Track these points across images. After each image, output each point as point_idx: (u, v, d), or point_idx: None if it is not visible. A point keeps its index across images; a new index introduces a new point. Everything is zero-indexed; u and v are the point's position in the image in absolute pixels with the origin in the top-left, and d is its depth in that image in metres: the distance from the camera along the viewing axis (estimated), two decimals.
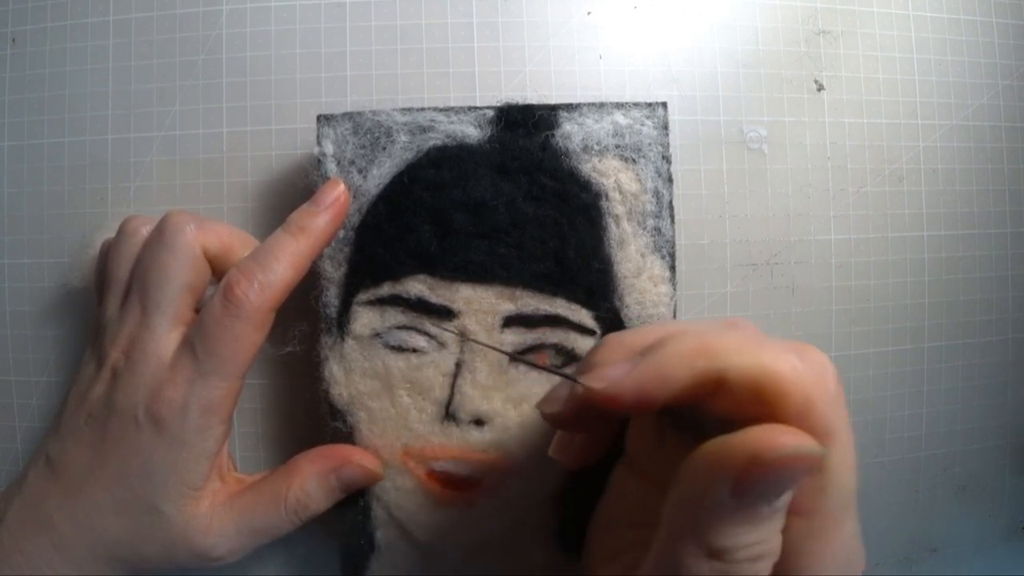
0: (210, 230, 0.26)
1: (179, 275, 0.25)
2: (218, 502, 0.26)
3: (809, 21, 0.33)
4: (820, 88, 0.33)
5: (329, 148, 0.28)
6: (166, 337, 0.25)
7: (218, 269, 0.27)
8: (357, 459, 0.26)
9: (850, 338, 0.33)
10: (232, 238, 0.27)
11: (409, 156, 0.27)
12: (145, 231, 0.27)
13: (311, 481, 0.26)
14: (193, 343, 0.25)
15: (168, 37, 0.32)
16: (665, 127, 0.28)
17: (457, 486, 0.27)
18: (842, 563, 0.17)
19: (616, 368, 0.17)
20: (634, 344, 0.19)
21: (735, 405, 0.16)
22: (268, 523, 0.26)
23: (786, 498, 0.16)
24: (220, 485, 0.26)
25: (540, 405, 0.21)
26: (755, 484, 0.15)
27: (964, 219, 0.34)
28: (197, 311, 0.26)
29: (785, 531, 0.17)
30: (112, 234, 0.29)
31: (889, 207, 0.34)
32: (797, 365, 0.16)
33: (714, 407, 0.17)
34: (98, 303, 0.28)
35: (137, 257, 0.27)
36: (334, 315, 0.27)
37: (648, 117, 0.28)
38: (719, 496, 0.16)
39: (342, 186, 0.27)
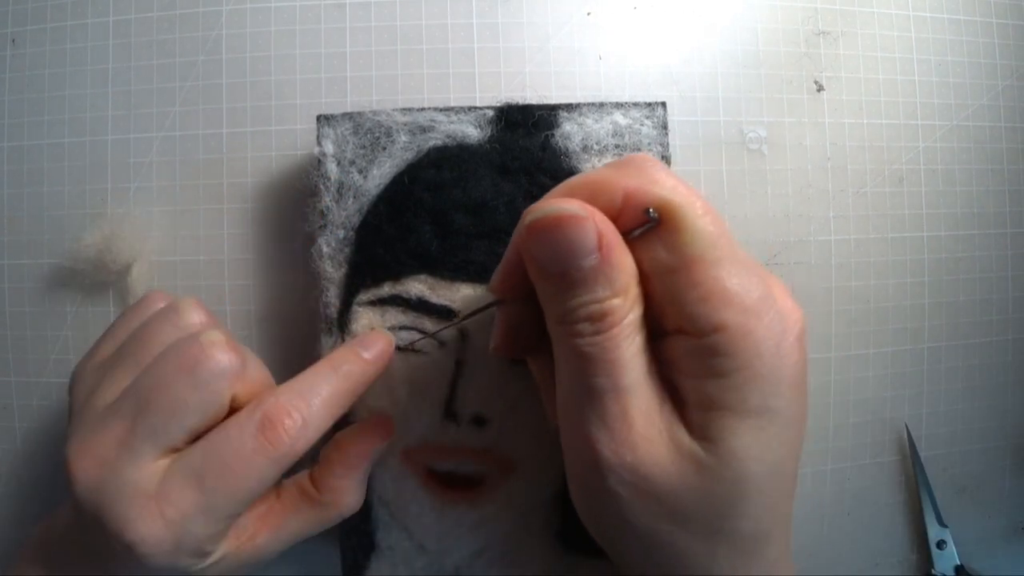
0: (248, 378, 0.23)
1: (194, 417, 0.21)
2: (251, 543, 0.23)
3: (809, 22, 0.33)
4: (820, 89, 0.33)
5: (329, 148, 0.28)
6: (151, 466, 0.21)
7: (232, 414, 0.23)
8: (379, 436, 0.26)
9: (850, 338, 0.33)
10: (264, 387, 0.24)
11: (409, 156, 0.27)
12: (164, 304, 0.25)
13: (357, 489, 0.25)
14: (201, 474, 0.21)
15: (168, 38, 0.32)
16: (664, 127, 0.28)
17: (458, 486, 0.27)
18: (731, 306, 0.18)
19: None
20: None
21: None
22: (315, 531, 0.25)
23: (592, 259, 0.18)
24: (251, 524, 0.24)
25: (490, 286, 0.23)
26: (535, 249, 0.19)
27: (964, 220, 0.34)
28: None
29: (666, 289, 0.18)
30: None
31: (889, 208, 0.34)
32: (610, 171, 0.19)
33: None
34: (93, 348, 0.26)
35: (152, 348, 0.23)
36: (334, 315, 0.27)
37: (648, 117, 0.28)
38: (532, 266, 0.19)
39: (393, 341, 0.26)
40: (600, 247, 0.18)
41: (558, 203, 0.18)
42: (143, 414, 0.21)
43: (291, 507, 0.25)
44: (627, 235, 0.19)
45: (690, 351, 0.18)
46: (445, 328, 0.27)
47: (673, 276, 0.18)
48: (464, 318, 0.26)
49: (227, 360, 0.22)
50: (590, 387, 0.19)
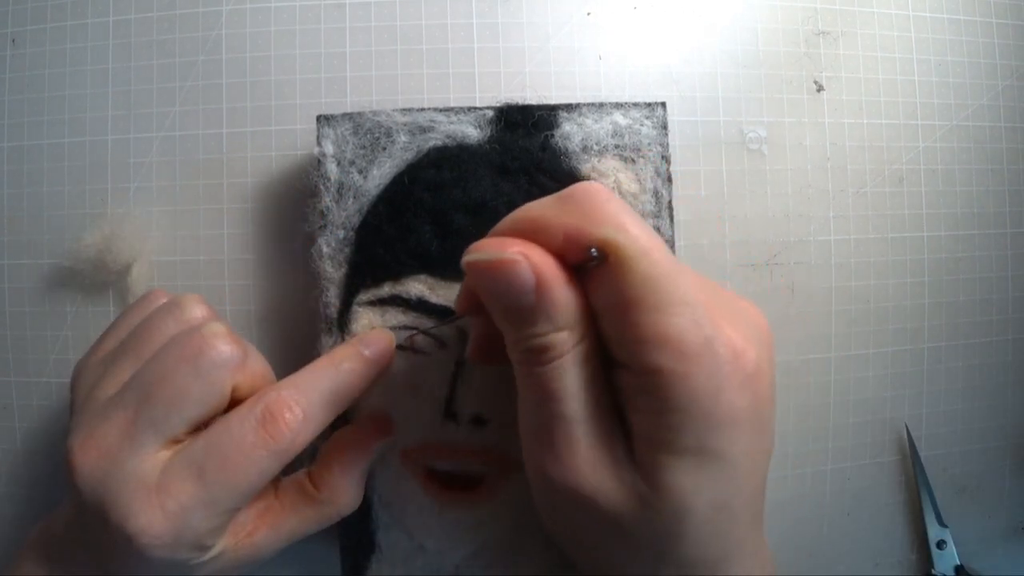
0: (249, 370, 0.23)
1: (195, 407, 0.22)
2: (251, 542, 0.24)
3: (809, 22, 0.33)
4: (820, 89, 0.33)
5: (329, 148, 0.28)
6: (152, 457, 0.21)
7: (233, 406, 0.23)
8: (378, 436, 0.26)
9: (850, 338, 0.33)
10: (265, 380, 0.24)
11: (409, 156, 0.27)
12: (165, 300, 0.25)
13: (356, 488, 0.25)
14: (202, 467, 0.21)
15: (168, 38, 0.32)
16: (664, 127, 0.28)
17: (457, 486, 0.27)
18: (679, 349, 0.17)
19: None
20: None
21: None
22: (314, 530, 0.25)
23: (528, 298, 0.18)
24: (251, 526, 0.24)
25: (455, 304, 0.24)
26: (477, 285, 0.19)
27: (964, 220, 0.35)
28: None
29: (609, 326, 0.19)
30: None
31: (889, 208, 0.34)
32: (552, 207, 0.19)
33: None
34: (95, 344, 0.26)
35: (154, 341, 0.23)
36: (334, 315, 0.27)
37: (647, 117, 0.28)
38: (483, 300, 0.20)
39: (394, 340, 0.26)
40: (537, 286, 0.18)
41: (491, 247, 0.19)
42: (145, 404, 0.21)
43: (289, 505, 0.25)
44: (577, 269, 0.19)
45: (632, 387, 0.19)
46: (431, 329, 0.27)
47: (615, 314, 0.18)
48: (436, 326, 0.26)
49: (229, 351, 0.22)
50: (539, 412, 0.19)
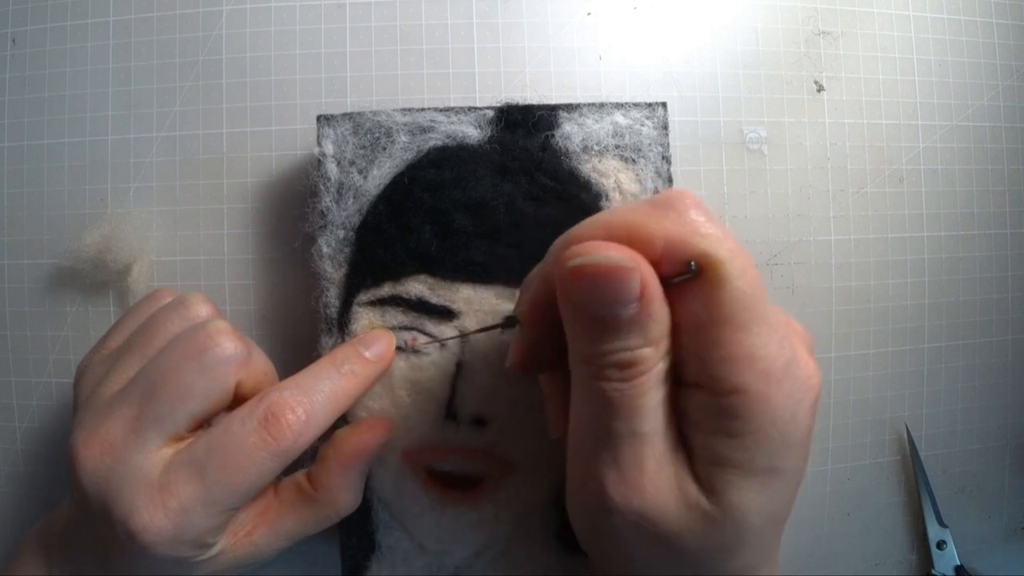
0: (253, 367, 0.23)
1: (199, 403, 0.22)
2: (250, 542, 0.24)
3: (809, 22, 0.33)
4: (820, 89, 0.33)
5: (329, 148, 0.28)
6: (156, 454, 0.21)
7: (236, 404, 0.23)
8: (375, 437, 0.26)
9: (850, 339, 0.33)
10: (268, 379, 0.24)
11: (409, 156, 0.27)
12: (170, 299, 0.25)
13: (353, 489, 0.25)
14: (203, 466, 0.21)
15: (168, 38, 0.32)
16: (665, 127, 0.28)
17: (458, 486, 0.27)
18: (752, 371, 0.17)
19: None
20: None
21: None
22: (313, 531, 0.25)
23: (631, 308, 0.17)
24: (250, 526, 0.24)
25: (516, 310, 0.22)
26: (574, 292, 0.18)
27: (964, 220, 0.35)
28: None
29: (692, 343, 0.18)
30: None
31: (889, 208, 0.34)
32: (650, 214, 0.18)
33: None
34: (102, 340, 0.27)
35: (159, 338, 0.24)
36: (334, 315, 0.27)
37: (648, 117, 0.28)
38: (566, 306, 0.19)
39: (394, 340, 0.26)
40: (641, 297, 0.17)
41: (604, 250, 0.17)
42: (150, 400, 0.22)
43: (288, 505, 0.25)
44: (664, 282, 0.18)
45: (706, 407, 0.18)
46: (456, 338, 0.27)
47: (701, 331, 0.18)
48: (478, 331, 0.26)
49: (233, 347, 0.22)
50: (607, 429, 0.19)
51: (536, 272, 0.22)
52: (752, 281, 0.17)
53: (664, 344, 0.18)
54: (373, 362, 0.25)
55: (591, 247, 0.18)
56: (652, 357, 0.18)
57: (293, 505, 0.25)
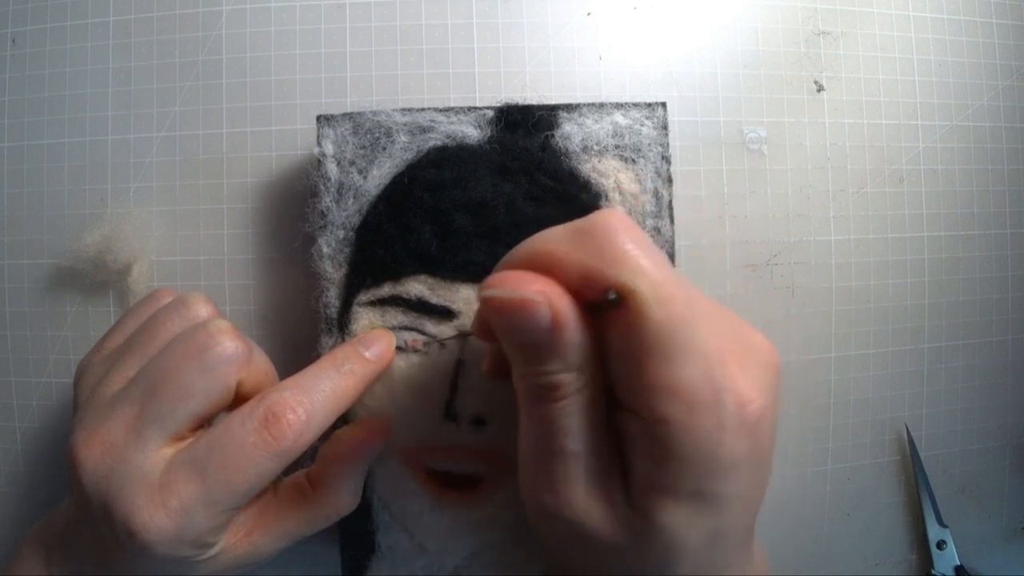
0: (254, 367, 0.23)
1: (200, 402, 0.22)
2: (250, 540, 0.24)
3: (809, 22, 0.33)
4: (820, 89, 0.33)
5: (329, 148, 0.28)
6: (156, 454, 0.21)
7: (236, 404, 0.23)
8: (375, 436, 0.26)
9: (850, 339, 0.33)
10: (268, 378, 0.25)
11: (409, 156, 0.27)
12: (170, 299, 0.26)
13: (352, 488, 0.25)
14: (203, 465, 0.21)
15: (168, 38, 0.32)
16: (664, 127, 0.28)
17: (457, 486, 0.27)
18: (688, 400, 0.17)
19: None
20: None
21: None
22: (312, 531, 0.25)
23: (541, 336, 0.18)
24: (250, 525, 0.24)
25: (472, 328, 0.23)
26: (491, 319, 0.19)
27: (964, 220, 0.35)
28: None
29: (619, 369, 0.18)
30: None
31: (889, 208, 0.34)
32: (570, 241, 0.18)
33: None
34: (102, 340, 0.27)
35: (160, 338, 0.24)
36: (334, 316, 0.27)
37: (648, 117, 0.28)
38: (496, 331, 0.19)
39: (394, 340, 0.26)
40: (552, 328, 0.18)
41: (513, 283, 0.18)
42: (151, 399, 0.22)
43: (288, 505, 0.25)
44: (591, 307, 0.18)
45: (635, 431, 0.18)
46: (454, 338, 0.27)
47: (626, 359, 0.18)
48: (446, 339, 0.27)
49: (234, 347, 0.23)
50: (540, 443, 0.19)
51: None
52: (674, 311, 0.17)
53: (588, 370, 0.18)
54: (373, 362, 0.25)
55: (503, 279, 0.18)
56: (573, 382, 0.18)
57: (293, 505, 0.25)
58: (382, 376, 0.26)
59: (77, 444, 0.22)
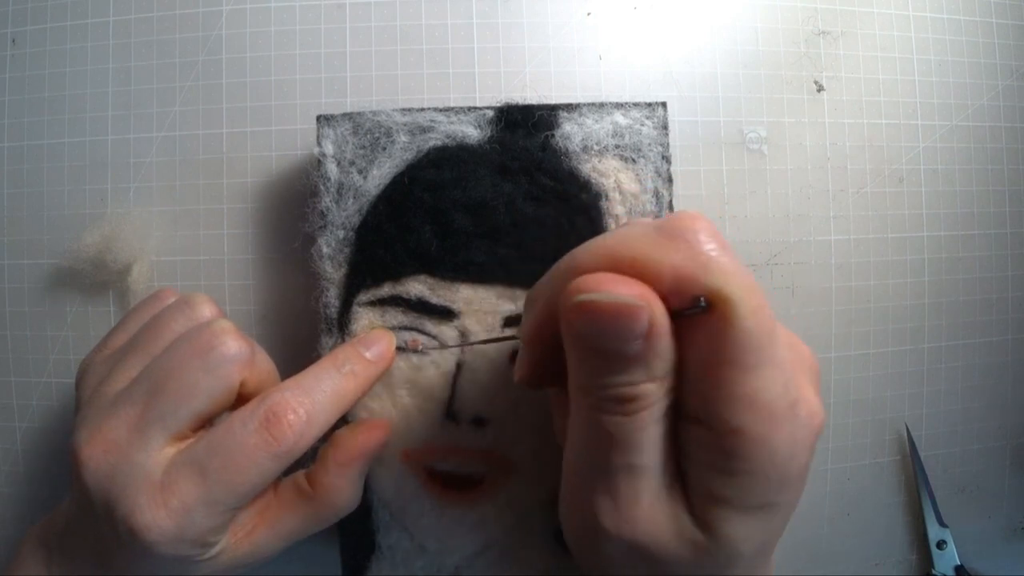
0: (257, 367, 0.23)
1: (203, 401, 0.22)
2: (251, 540, 0.24)
3: (809, 22, 0.33)
4: (820, 89, 0.33)
5: (329, 148, 0.28)
6: (158, 453, 0.21)
7: (239, 404, 0.23)
8: (375, 437, 0.26)
9: (850, 338, 0.33)
10: (270, 379, 0.25)
11: (409, 156, 0.27)
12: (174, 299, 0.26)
13: (353, 489, 0.25)
14: (204, 465, 0.21)
15: (168, 38, 0.32)
16: (665, 127, 0.28)
17: (457, 486, 0.27)
18: (755, 412, 0.17)
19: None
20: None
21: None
22: (311, 532, 0.25)
23: (635, 345, 0.17)
24: (250, 526, 0.24)
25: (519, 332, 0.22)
26: (579, 325, 0.17)
27: (964, 220, 0.35)
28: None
29: (695, 378, 0.17)
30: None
31: (889, 208, 0.34)
32: (659, 243, 0.17)
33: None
34: (104, 340, 0.27)
35: (164, 338, 0.24)
36: (334, 316, 0.27)
37: (648, 117, 0.28)
38: (569, 338, 0.18)
39: (395, 340, 0.26)
40: (648, 335, 0.17)
41: (612, 286, 0.17)
42: (155, 398, 0.22)
43: (288, 505, 0.25)
44: (672, 314, 0.17)
45: (704, 443, 0.18)
46: (462, 345, 0.27)
47: (706, 369, 0.17)
48: (484, 342, 0.26)
49: (238, 347, 0.23)
50: (604, 459, 0.18)
51: (540, 291, 0.21)
52: (763, 320, 0.17)
53: (668, 380, 0.18)
54: (374, 363, 0.25)
55: (598, 281, 0.17)
56: (654, 393, 0.17)
57: (293, 505, 0.25)
58: (383, 376, 0.26)
59: (80, 443, 0.22)
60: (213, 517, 0.21)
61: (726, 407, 0.17)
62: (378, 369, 0.25)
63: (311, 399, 0.23)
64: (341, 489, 0.25)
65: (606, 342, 0.17)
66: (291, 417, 0.22)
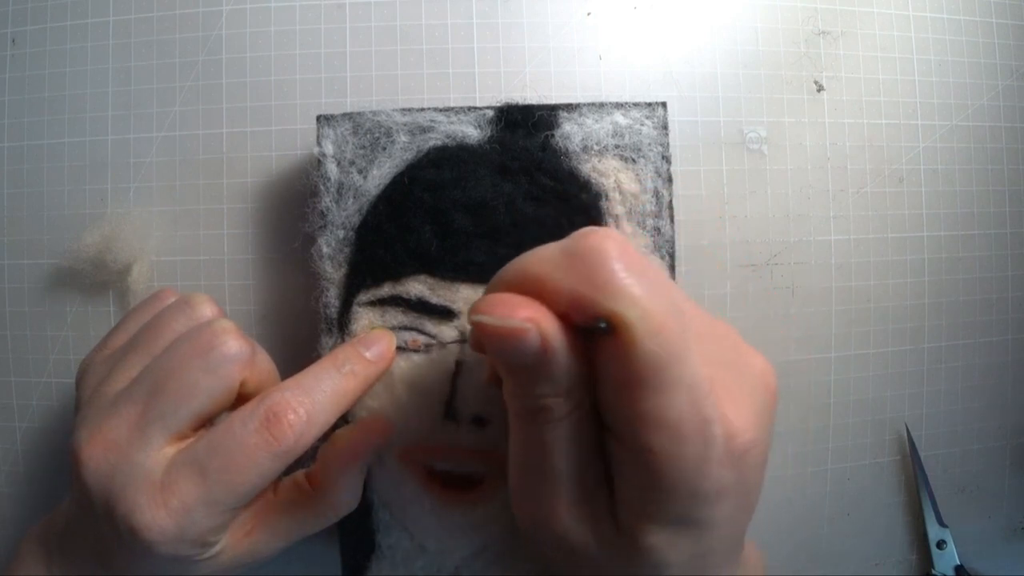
0: (257, 367, 0.24)
1: (204, 401, 0.22)
2: (250, 538, 0.24)
3: (809, 22, 0.33)
4: (820, 89, 0.33)
5: (329, 148, 0.28)
6: (158, 453, 0.21)
7: (239, 403, 0.23)
8: (376, 434, 0.26)
9: (850, 338, 0.33)
10: (271, 378, 0.25)
11: (409, 156, 0.27)
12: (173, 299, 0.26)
13: (350, 487, 0.25)
14: (204, 465, 0.21)
15: (168, 38, 0.32)
16: (665, 127, 0.28)
17: (457, 486, 0.27)
18: (675, 432, 0.17)
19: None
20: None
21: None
22: (310, 532, 0.25)
23: (530, 359, 0.17)
24: (250, 524, 0.24)
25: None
26: (482, 340, 0.18)
27: (964, 220, 0.35)
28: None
29: (608, 395, 0.18)
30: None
31: (889, 208, 0.34)
32: (560, 266, 0.18)
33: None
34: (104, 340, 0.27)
35: (164, 338, 0.24)
36: (334, 316, 0.27)
37: (648, 117, 0.28)
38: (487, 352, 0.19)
39: (394, 340, 0.26)
40: (541, 355, 0.17)
41: (504, 307, 0.17)
42: (155, 398, 0.22)
43: (287, 505, 0.25)
44: (582, 331, 0.18)
45: (621, 456, 0.18)
46: (450, 343, 0.27)
47: (614, 387, 0.18)
48: (458, 341, 0.27)
49: (238, 346, 0.23)
50: (527, 460, 0.19)
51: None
52: (667, 340, 0.17)
53: (577, 394, 0.18)
54: (374, 362, 0.25)
55: (491, 304, 0.18)
56: (561, 406, 0.18)
57: (292, 505, 0.25)
58: (383, 376, 0.26)
59: (80, 443, 0.22)
60: (213, 517, 0.21)
61: (635, 425, 0.17)
62: (378, 369, 0.25)
63: (311, 399, 0.23)
64: (341, 489, 0.25)
65: (505, 357, 0.18)
66: (291, 417, 0.22)
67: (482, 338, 0.18)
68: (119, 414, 0.22)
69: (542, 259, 0.18)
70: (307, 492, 0.25)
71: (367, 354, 0.25)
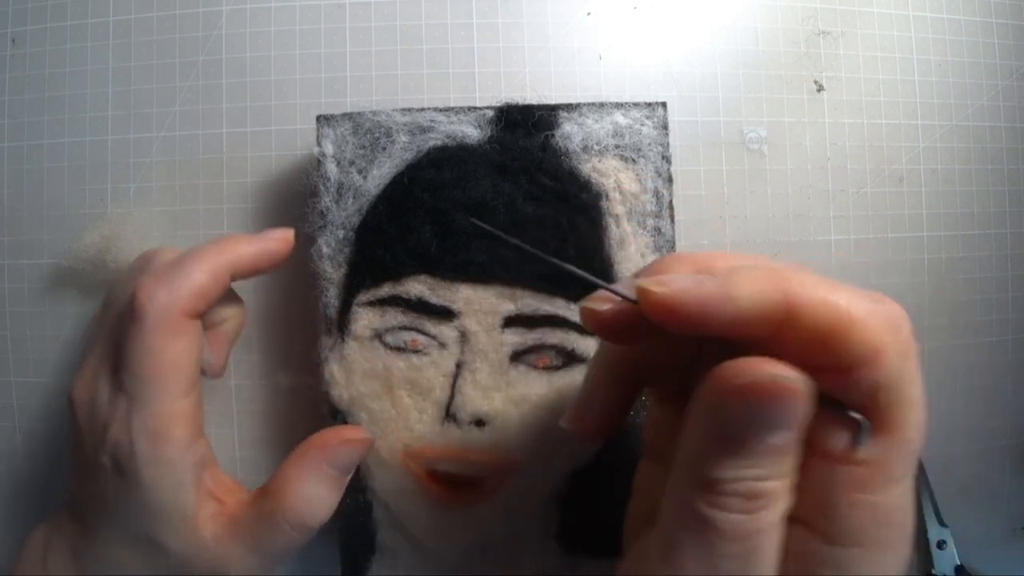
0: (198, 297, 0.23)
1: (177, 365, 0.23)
2: (220, 527, 0.23)
3: (809, 22, 0.33)
4: (820, 89, 0.33)
5: (329, 148, 0.28)
6: (108, 379, 0.23)
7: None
8: (344, 436, 0.25)
9: None
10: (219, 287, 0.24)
11: (409, 156, 0.27)
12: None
13: (307, 486, 0.23)
14: (117, 373, 0.22)
15: (168, 38, 0.32)
16: (665, 127, 0.28)
17: (458, 487, 0.27)
18: (888, 526, 0.15)
19: (681, 280, 0.16)
20: (698, 263, 0.18)
21: (798, 346, 0.15)
22: (278, 542, 0.23)
23: (784, 437, 0.15)
24: (218, 508, 0.23)
25: (586, 301, 0.19)
26: (725, 408, 0.15)
27: (964, 220, 0.34)
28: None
29: (832, 477, 0.16)
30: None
31: (889, 208, 0.34)
32: (872, 310, 0.15)
33: (773, 347, 0.15)
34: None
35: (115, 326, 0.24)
36: (334, 316, 0.27)
37: (648, 117, 0.28)
38: (705, 423, 0.16)
39: (291, 234, 0.26)
40: (802, 418, 0.15)
41: (775, 365, 0.14)
42: (136, 382, 0.22)
43: (250, 507, 0.24)
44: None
45: (805, 547, 0.16)
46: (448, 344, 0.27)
47: (844, 475, 0.15)
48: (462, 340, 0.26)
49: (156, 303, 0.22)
50: (711, 563, 0.16)
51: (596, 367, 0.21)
52: (920, 428, 0.15)
53: (793, 476, 0.16)
54: (256, 240, 0.25)
55: (760, 364, 0.14)
56: (779, 490, 0.15)
57: (255, 507, 0.23)
58: (380, 374, 0.26)
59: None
60: (148, 418, 0.22)
61: (855, 520, 0.15)
62: (259, 246, 0.25)
63: (170, 268, 0.23)
64: (298, 490, 0.23)
65: (752, 430, 0.15)
66: (146, 289, 0.22)
67: (728, 403, 0.15)
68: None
69: (854, 297, 0.16)
70: (267, 491, 0.24)
71: (253, 236, 0.25)
